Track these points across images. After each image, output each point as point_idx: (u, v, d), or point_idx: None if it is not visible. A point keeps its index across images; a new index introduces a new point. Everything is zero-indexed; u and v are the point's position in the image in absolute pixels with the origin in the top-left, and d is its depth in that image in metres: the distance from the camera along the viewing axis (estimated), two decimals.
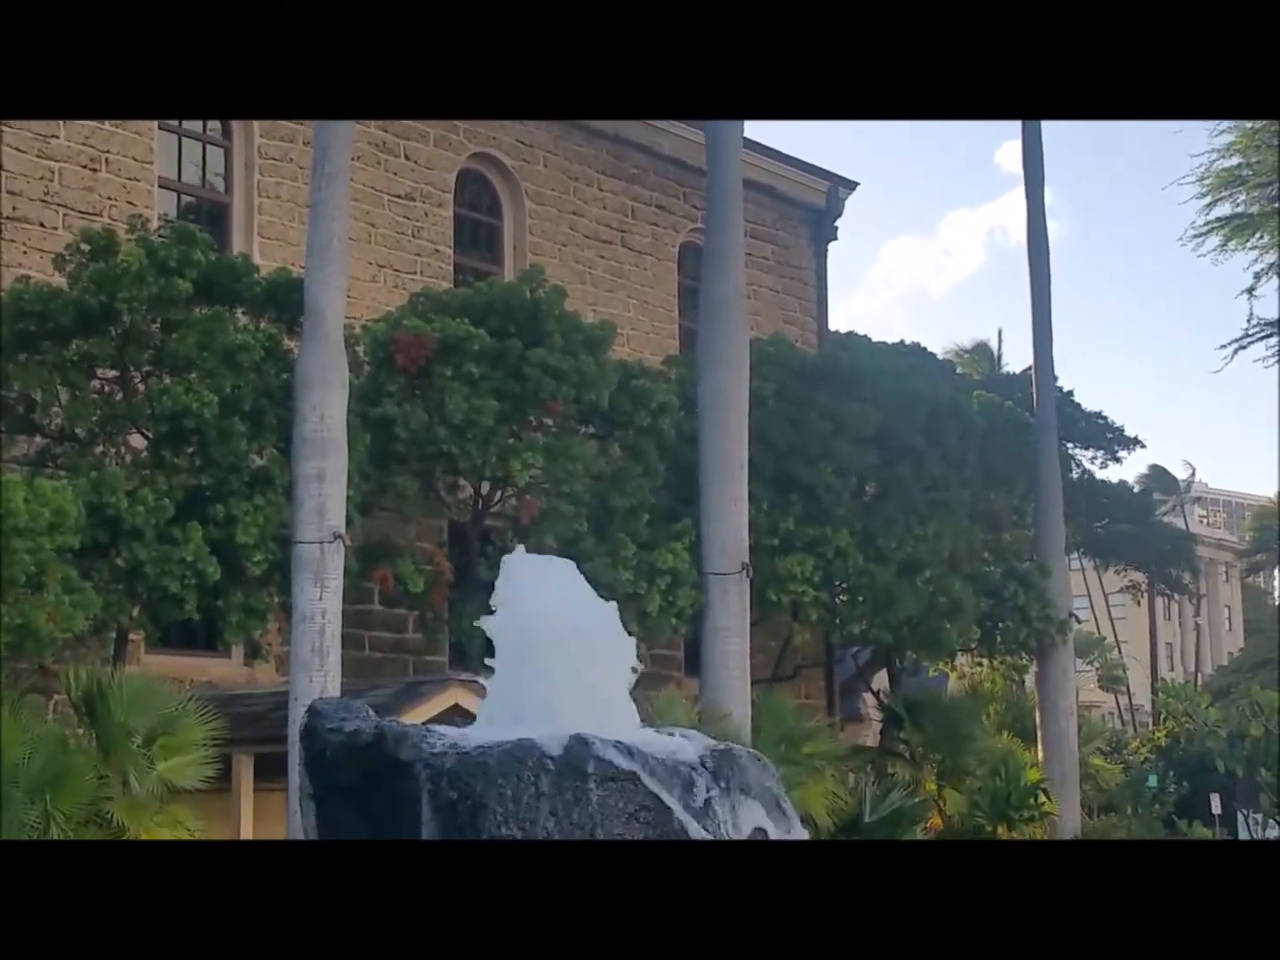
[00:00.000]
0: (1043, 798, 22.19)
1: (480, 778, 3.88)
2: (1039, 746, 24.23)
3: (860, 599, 20.80)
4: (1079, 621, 29.05)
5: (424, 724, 4.38)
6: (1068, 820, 23.31)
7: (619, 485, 18.46)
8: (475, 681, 12.51)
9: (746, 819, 3.99)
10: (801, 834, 4.20)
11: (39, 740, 12.80)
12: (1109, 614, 49.59)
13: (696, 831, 3.84)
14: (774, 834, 4.02)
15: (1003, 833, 22.09)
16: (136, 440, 15.45)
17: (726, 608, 18.66)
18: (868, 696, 26.10)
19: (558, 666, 4.26)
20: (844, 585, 20.94)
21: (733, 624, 18.63)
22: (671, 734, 4.27)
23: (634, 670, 4.33)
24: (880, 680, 25.33)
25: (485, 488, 18.53)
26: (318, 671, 15.02)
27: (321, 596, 15.16)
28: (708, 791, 3.97)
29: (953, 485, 21.94)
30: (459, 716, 13.55)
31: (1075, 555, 34.33)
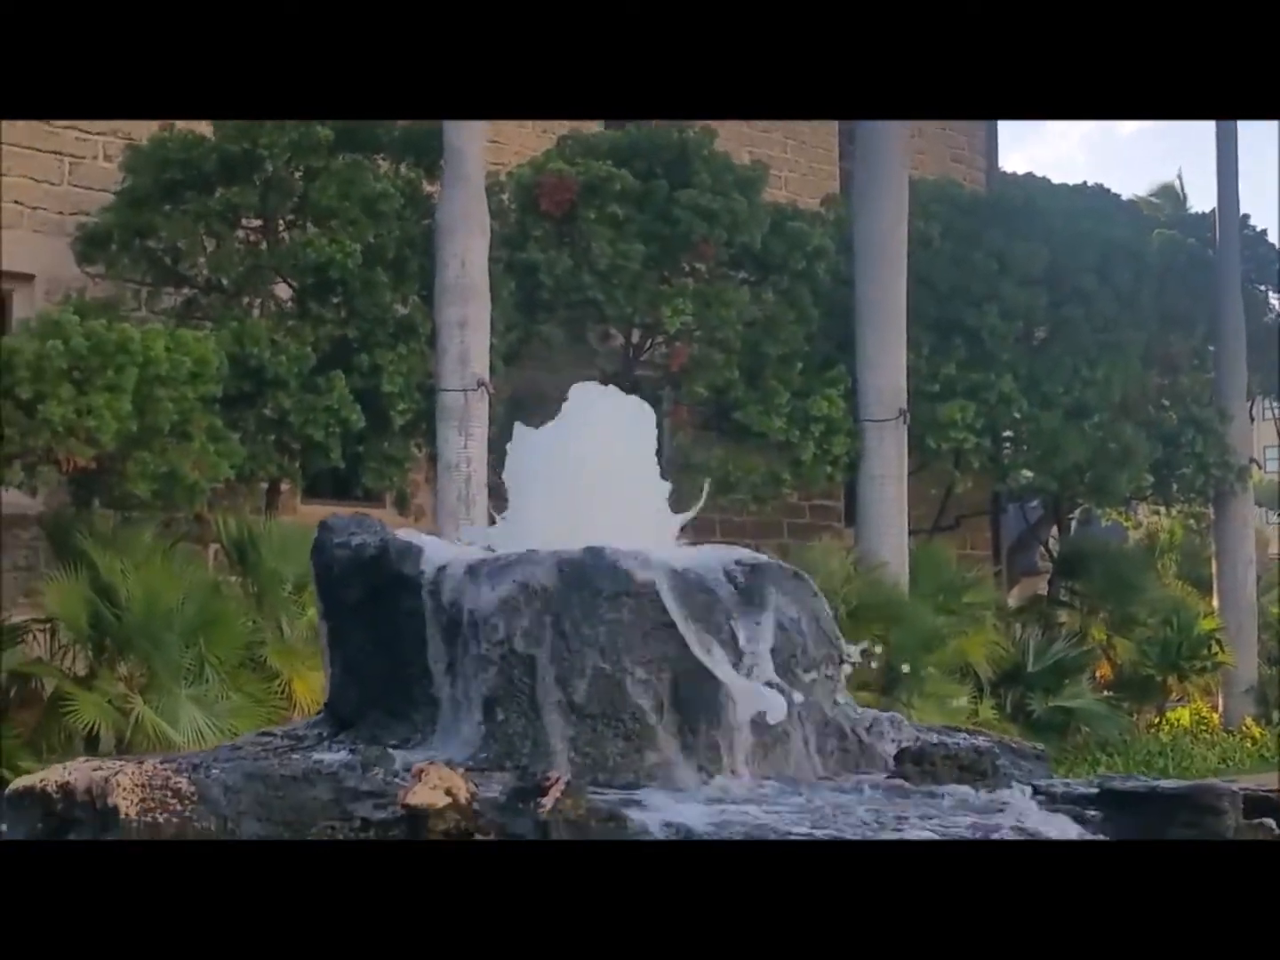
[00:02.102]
0: (1216, 648, 21.58)
1: (484, 592, 3.67)
2: (1215, 596, 23.55)
3: (1024, 446, 20.24)
4: (1261, 468, 28.02)
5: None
6: (1243, 671, 22.67)
7: (772, 332, 18.08)
8: None
9: (768, 639, 3.70)
10: (848, 653, 3.88)
11: (193, 587, 13.03)
12: None
13: (714, 654, 3.57)
14: (809, 654, 3.74)
15: (1173, 683, 21.57)
16: (282, 290, 15.47)
17: (883, 455, 18.25)
18: (1043, 549, 25.58)
19: (580, 487, 4.01)
20: (1008, 432, 20.39)
21: (889, 472, 18.23)
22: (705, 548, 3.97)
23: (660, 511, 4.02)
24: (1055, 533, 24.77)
25: (635, 336, 18.30)
26: (464, 520, 15.01)
27: (466, 445, 15.13)
28: (732, 610, 3.68)
29: (1125, 327, 21.08)
30: None
31: (1269, 402, 33.09)
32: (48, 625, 12.81)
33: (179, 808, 3.16)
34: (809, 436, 17.90)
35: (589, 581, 3.61)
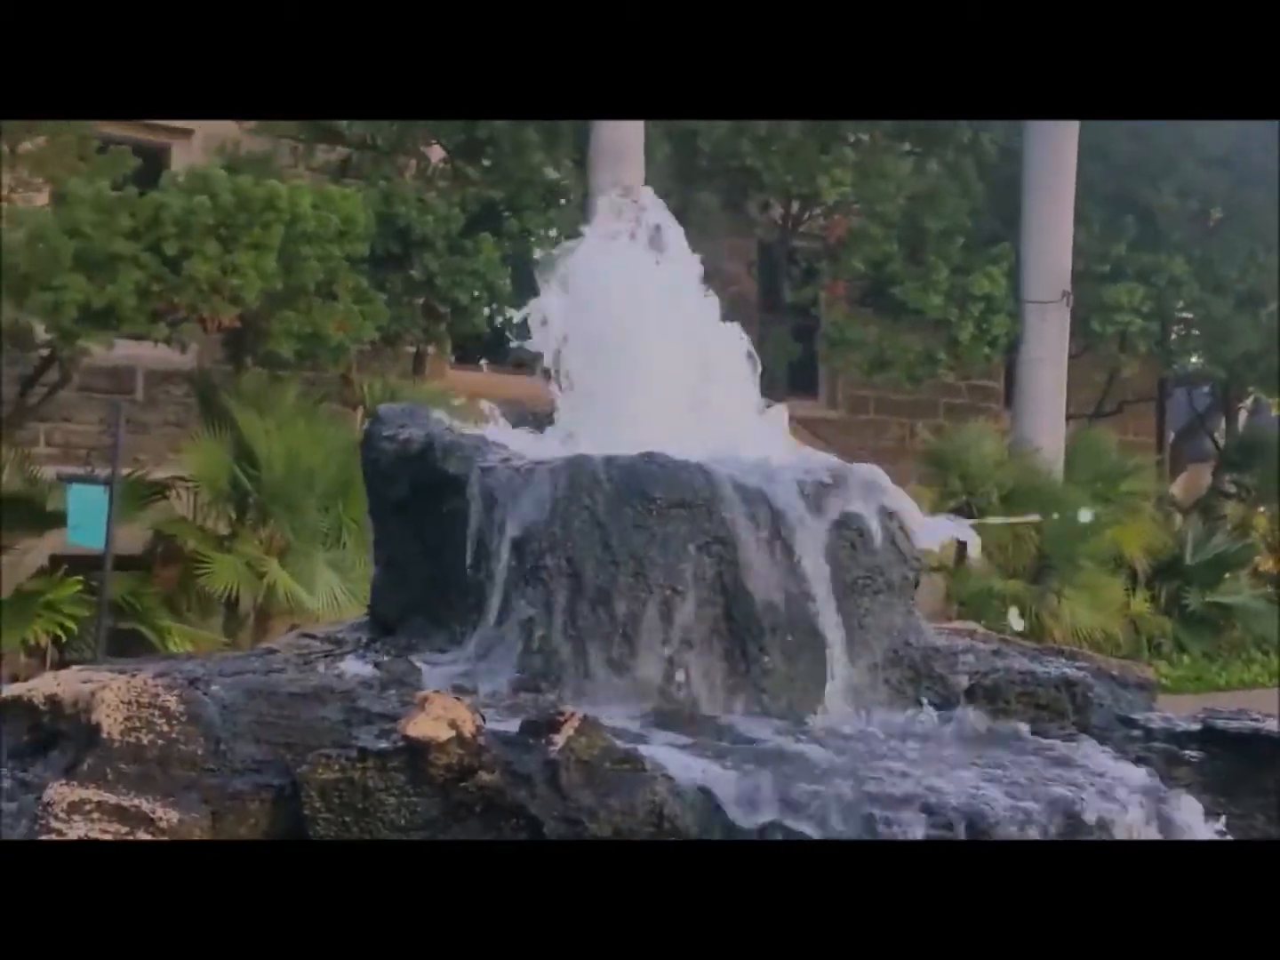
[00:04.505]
0: None
1: (528, 497, 3.43)
2: None
3: (1194, 331, 19.49)
4: None
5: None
6: None
7: (934, 205, 17.52)
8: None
9: (830, 556, 3.42)
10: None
11: (335, 448, 12.99)
12: None
13: (760, 569, 3.32)
14: (884, 573, 3.46)
15: None
16: (435, 152, 15.29)
17: (1043, 337, 17.67)
18: (1211, 439, 24.74)
19: (644, 371, 3.72)
20: (1177, 316, 19.64)
21: (1049, 354, 17.66)
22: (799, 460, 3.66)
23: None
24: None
25: (794, 207, 17.89)
26: None
27: None
28: (795, 525, 3.40)
29: None
30: None
31: None
32: (194, 484, 12.88)
33: (165, 728, 3.02)
34: (968, 315, 17.39)
35: (641, 490, 3.36)
